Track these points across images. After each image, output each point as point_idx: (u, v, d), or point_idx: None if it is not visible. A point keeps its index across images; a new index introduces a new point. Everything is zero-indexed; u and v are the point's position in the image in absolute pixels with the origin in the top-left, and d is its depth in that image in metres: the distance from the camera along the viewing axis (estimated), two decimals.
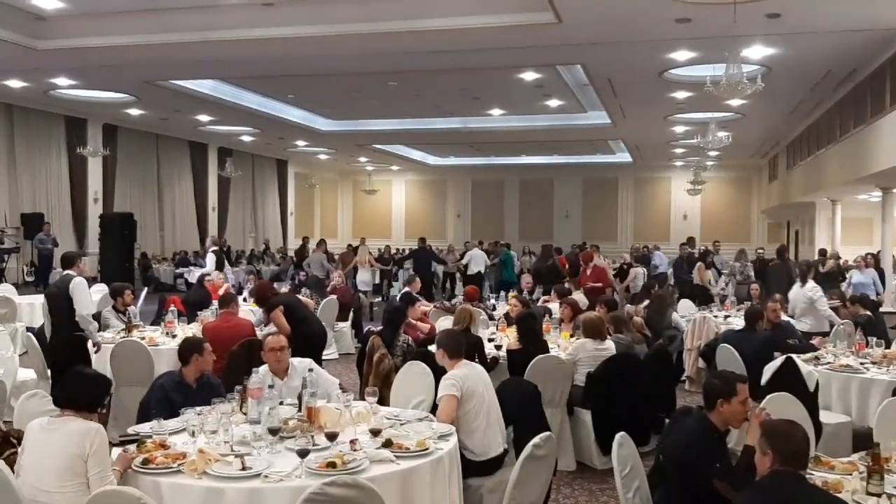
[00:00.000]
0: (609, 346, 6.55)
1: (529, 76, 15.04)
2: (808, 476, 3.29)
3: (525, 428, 4.70)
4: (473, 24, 10.80)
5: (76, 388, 3.89)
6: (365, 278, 15.59)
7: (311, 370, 4.80)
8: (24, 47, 12.12)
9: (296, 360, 5.15)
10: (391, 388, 5.74)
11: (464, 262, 18.61)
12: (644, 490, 3.86)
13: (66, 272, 7.12)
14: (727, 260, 16.64)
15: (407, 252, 20.02)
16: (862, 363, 6.55)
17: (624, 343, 6.81)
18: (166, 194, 22.87)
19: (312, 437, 3.93)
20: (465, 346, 5.13)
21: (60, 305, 6.95)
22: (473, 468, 4.49)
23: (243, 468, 3.54)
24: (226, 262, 15.18)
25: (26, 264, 17.48)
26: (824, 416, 5.99)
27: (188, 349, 5.00)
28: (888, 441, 3.97)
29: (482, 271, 18.39)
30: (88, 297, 7.08)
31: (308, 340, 7.13)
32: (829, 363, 6.59)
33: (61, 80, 15.16)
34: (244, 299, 10.66)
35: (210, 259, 13.83)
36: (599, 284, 12.43)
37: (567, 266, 14.87)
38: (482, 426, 4.60)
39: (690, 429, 3.82)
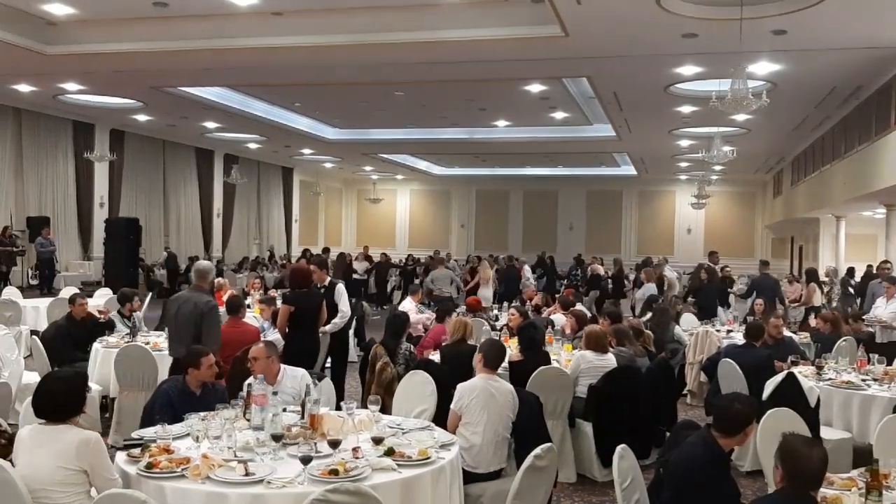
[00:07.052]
0: (609, 359, 6.56)
1: (535, 88, 15.09)
2: None
3: (526, 439, 4.73)
4: (480, 37, 10.86)
5: (54, 399, 3.73)
6: (487, 295, 14.77)
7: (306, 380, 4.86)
8: (34, 52, 12.19)
9: (289, 368, 5.22)
10: (393, 396, 5.77)
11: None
12: (644, 502, 3.87)
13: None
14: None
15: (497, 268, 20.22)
16: (863, 380, 6.58)
17: (626, 356, 6.82)
18: (171, 200, 22.92)
19: (315, 444, 3.97)
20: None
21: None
22: (469, 474, 4.53)
23: (246, 474, 3.58)
24: None
25: (31, 267, 17.51)
26: (825, 432, 6.00)
27: (185, 363, 5.01)
28: (888, 457, 3.99)
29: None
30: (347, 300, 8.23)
31: (289, 351, 6.75)
32: (830, 379, 6.62)
33: (70, 85, 15.24)
34: (248, 306, 10.68)
35: None
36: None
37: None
38: (477, 442, 4.70)
39: (694, 453, 3.69)
